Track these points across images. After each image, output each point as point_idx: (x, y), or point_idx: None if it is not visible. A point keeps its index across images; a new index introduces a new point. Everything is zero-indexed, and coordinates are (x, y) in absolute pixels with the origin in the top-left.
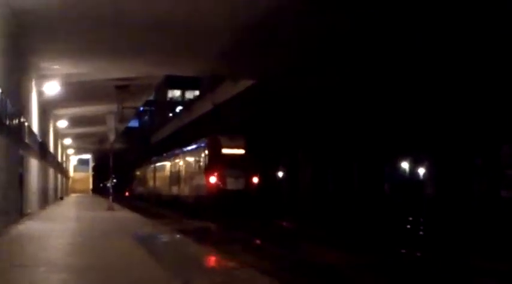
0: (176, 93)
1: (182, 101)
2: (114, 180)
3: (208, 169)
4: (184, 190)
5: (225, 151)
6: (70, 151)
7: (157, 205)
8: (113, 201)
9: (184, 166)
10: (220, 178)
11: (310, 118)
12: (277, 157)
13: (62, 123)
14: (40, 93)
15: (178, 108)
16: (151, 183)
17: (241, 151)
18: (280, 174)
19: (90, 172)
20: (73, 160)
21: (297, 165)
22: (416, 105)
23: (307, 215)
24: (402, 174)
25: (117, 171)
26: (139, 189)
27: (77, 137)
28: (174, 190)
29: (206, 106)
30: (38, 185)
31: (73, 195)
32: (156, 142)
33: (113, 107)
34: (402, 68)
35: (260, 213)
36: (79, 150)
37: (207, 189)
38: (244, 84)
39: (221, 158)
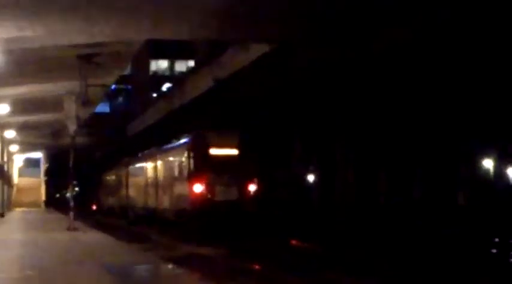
0: (162, 64)
1: (171, 76)
2: (77, 189)
3: (192, 175)
4: (163, 202)
5: (213, 151)
6: (13, 147)
7: (134, 223)
8: (75, 217)
9: (162, 170)
10: (207, 186)
11: (352, 102)
12: (306, 156)
13: (3, 108)
14: None
15: (166, 86)
16: (123, 193)
17: (234, 152)
18: (311, 179)
19: (43, 178)
20: (18, 160)
21: (333, 167)
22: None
23: (346, 234)
24: (484, 176)
25: (81, 175)
26: (109, 201)
27: (23, 128)
28: (151, 202)
29: (204, 83)
30: None
31: (18, 210)
32: (134, 135)
33: (74, 86)
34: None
35: (268, 231)
36: (26, 146)
37: (190, 200)
38: (258, 51)
39: (208, 160)
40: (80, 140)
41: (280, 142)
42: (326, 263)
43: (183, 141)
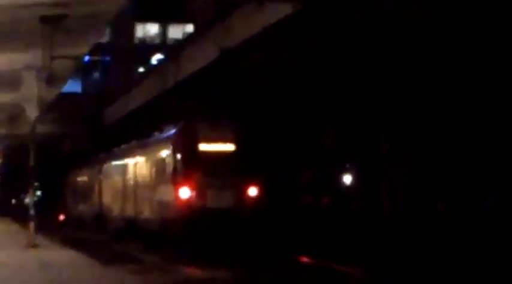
0: (151, 29)
1: (163, 45)
2: (39, 193)
3: (177, 177)
4: (143, 211)
5: (204, 146)
6: None
7: (114, 238)
8: (37, 230)
9: (142, 171)
10: (197, 190)
11: (407, 80)
12: (341, 150)
13: None
14: None
15: (156, 58)
16: (95, 200)
17: (231, 147)
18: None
19: None
20: None
21: (377, 164)
22: None
23: (393, 252)
24: None
25: (44, 176)
26: (79, 210)
27: None
28: (129, 211)
29: (207, 54)
30: None
31: None
32: (114, 122)
33: (35, 58)
34: None
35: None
36: None
37: (175, 207)
38: (277, 13)
39: (199, 158)
40: (44, 129)
41: (306, 133)
42: None
43: (166, 133)
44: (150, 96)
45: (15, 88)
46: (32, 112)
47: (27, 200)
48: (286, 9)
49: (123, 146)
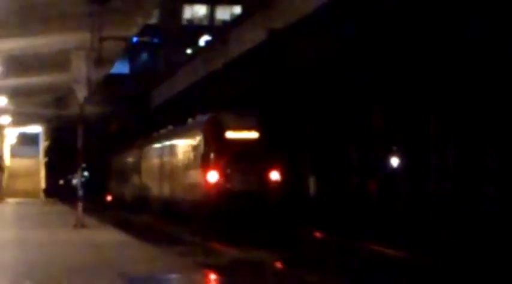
0: (199, 10)
1: (211, 26)
2: (86, 173)
3: (206, 162)
4: (177, 192)
5: (230, 134)
6: (4, 119)
7: (163, 218)
8: (85, 211)
9: (177, 156)
10: (224, 174)
11: (459, 59)
12: (388, 132)
13: None
14: None
15: (204, 39)
16: (135, 181)
17: (254, 135)
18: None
19: (42, 159)
20: (10, 136)
21: (426, 147)
22: None
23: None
24: None
25: (92, 157)
26: (121, 190)
27: (17, 94)
28: (165, 192)
29: (255, 35)
30: None
31: (11, 201)
32: (160, 105)
33: (84, 38)
34: None
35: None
36: (21, 118)
37: (204, 190)
38: None
39: (225, 145)
40: (92, 110)
41: (353, 116)
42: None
43: (197, 122)
44: (197, 78)
45: (64, 69)
46: (81, 93)
47: (74, 181)
48: None
49: (161, 131)
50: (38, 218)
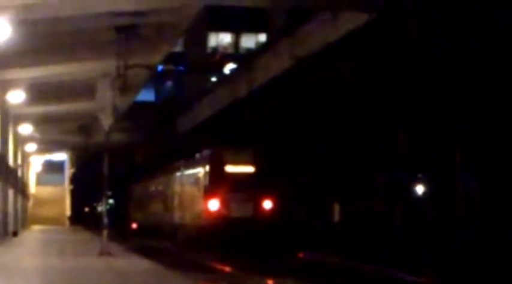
0: (225, 38)
1: (236, 54)
2: (111, 201)
3: (208, 192)
4: (184, 219)
5: (229, 168)
6: (30, 147)
7: (187, 245)
8: (110, 238)
9: (185, 186)
10: (223, 203)
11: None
12: (413, 159)
13: (16, 96)
14: None
15: (229, 67)
16: (150, 208)
17: (250, 169)
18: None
19: (67, 186)
20: (35, 163)
21: (451, 174)
22: None
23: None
24: None
25: (117, 184)
26: (138, 217)
27: (43, 121)
28: (174, 219)
29: (280, 63)
30: None
31: (36, 228)
32: (187, 131)
33: (110, 66)
34: None
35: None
36: (46, 146)
37: (206, 216)
38: (351, 23)
39: (225, 177)
40: (117, 137)
41: (378, 142)
42: None
43: (202, 157)
44: (222, 105)
45: (89, 97)
46: (106, 120)
47: (99, 208)
48: (359, 19)
49: (174, 163)
50: (63, 245)
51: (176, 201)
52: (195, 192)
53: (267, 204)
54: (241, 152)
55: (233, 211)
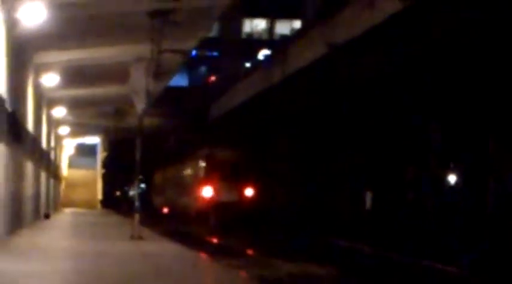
0: (259, 24)
1: (270, 40)
2: (143, 185)
3: (203, 181)
4: (187, 202)
5: (219, 163)
6: (63, 130)
7: (218, 231)
8: (142, 222)
9: (190, 174)
10: (215, 189)
11: None
12: (446, 150)
13: (51, 79)
14: (11, 22)
15: (263, 53)
16: (165, 194)
17: (235, 163)
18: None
19: (99, 170)
20: (68, 146)
21: (485, 162)
22: None
23: None
24: None
25: (150, 168)
26: (158, 201)
27: (76, 105)
28: (183, 203)
29: (314, 50)
30: (5, 191)
31: (67, 211)
32: (220, 117)
33: (144, 51)
34: None
35: None
36: (79, 129)
37: (201, 200)
38: (387, 8)
39: (216, 170)
40: (150, 122)
41: (409, 132)
42: None
43: (201, 153)
44: (255, 91)
45: (123, 80)
46: (139, 104)
47: (131, 192)
48: (396, 6)
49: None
50: (94, 229)
51: (182, 188)
52: (194, 181)
53: (249, 191)
54: (230, 151)
55: (222, 197)
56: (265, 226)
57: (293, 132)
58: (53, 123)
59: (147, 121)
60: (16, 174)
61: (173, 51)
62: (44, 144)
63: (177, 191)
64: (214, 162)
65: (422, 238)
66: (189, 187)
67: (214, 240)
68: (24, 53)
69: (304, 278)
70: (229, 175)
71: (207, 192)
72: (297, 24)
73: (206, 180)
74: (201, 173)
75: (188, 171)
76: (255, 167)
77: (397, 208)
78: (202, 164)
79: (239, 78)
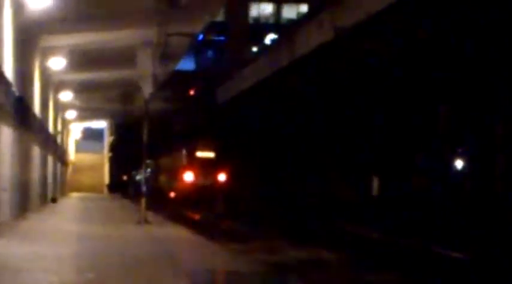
0: (266, 9)
1: (277, 24)
2: (149, 170)
3: (185, 167)
4: (172, 184)
5: (199, 154)
6: (70, 114)
7: (225, 216)
8: (148, 207)
9: (178, 161)
10: (194, 175)
11: None
12: (453, 134)
13: (57, 62)
14: (18, 6)
15: (270, 38)
16: (158, 178)
17: (212, 154)
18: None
19: (106, 154)
20: (75, 130)
21: (492, 146)
22: None
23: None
24: None
25: (156, 152)
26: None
27: (83, 89)
28: (163, 185)
29: (320, 35)
30: (12, 175)
31: (74, 195)
32: (227, 101)
33: (150, 35)
34: None
35: None
36: (86, 113)
37: (184, 183)
38: None
39: (196, 159)
40: (157, 106)
41: (417, 115)
42: None
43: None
44: (262, 76)
45: (130, 64)
46: (146, 88)
47: (138, 177)
48: None
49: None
50: (101, 213)
51: (170, 173)
52: (178, 167)
53: (222, 176)
54: (208, 143)
55: (200, 181)
56: (274, 212)
57: (299, 117)
58: (60, 107)
59: (154, 105)
60: (23, 158)
61: (180, 34)
62: (50, 128)
63: (171, 175)
64: (195, 154)
65: (430, 224)
66: (176, 172)
67: (222, 224)
68: (30, 36)
69: (313, 263)
70: (206, 164)
71: (188, 176)
72: (304, 8)
73: (187, 167)
74: (184, 161)
75: (178, 159)
76: (229, 158)
77: (405, 193)
78: (185, 154)
79: (246, 63)
